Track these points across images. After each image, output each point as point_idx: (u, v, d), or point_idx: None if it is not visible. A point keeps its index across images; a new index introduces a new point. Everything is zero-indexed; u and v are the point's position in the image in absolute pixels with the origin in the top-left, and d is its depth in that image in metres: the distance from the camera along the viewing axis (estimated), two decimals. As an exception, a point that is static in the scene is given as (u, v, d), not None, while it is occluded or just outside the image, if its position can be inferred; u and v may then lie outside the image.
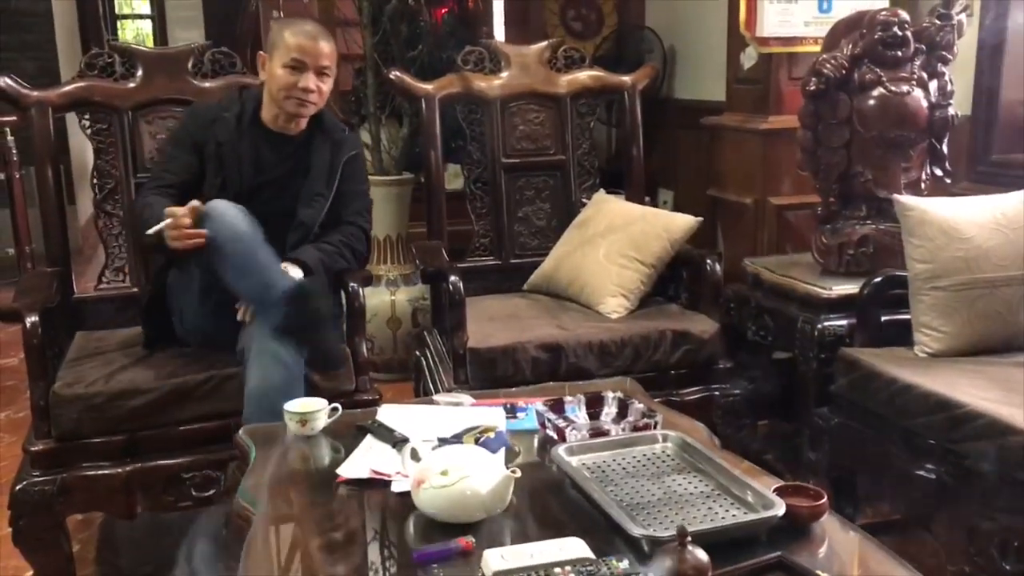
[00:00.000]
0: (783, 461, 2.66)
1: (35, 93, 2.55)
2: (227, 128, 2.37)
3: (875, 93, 2.60)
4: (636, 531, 1.29)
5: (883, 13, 2.63)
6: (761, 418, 2.82)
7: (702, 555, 1.05)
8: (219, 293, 2.23)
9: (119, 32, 9.63)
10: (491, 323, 2.61)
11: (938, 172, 2.71)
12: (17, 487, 2.12)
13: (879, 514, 2.46)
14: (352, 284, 2.43)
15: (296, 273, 2.27)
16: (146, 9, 9.92)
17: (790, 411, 2.70)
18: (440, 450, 1.47)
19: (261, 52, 2.41)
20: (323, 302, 2.21)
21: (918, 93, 2.61)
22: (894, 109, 2.59)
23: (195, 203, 2.14)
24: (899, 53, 2.60)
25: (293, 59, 2.31)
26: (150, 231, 2.12)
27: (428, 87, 2.93)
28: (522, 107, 3.02)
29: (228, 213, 2.16)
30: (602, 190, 3.04)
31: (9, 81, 2.52)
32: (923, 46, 2.63)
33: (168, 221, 2.11)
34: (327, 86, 2.38)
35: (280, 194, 2.42)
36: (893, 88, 2.59)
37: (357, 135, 2.83)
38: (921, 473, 2.10)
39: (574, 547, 1.30)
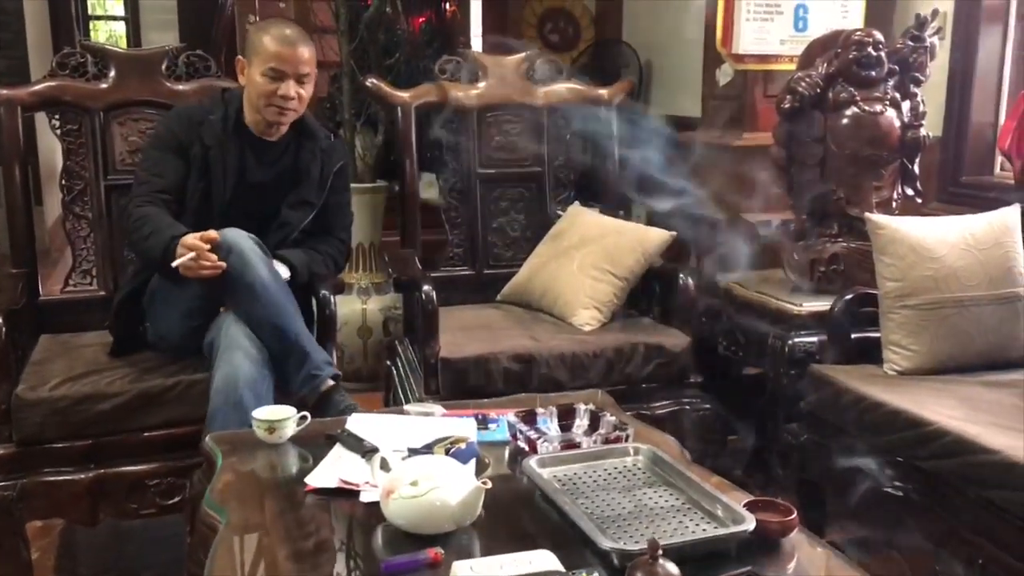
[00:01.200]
0: (752, 477, 2.67)
1: (4, 91, 2.51)
2: (213, 131, 2.34)
3: (849, 112, 2.63)
4: (606, 544, 1.28)
5: (858, 33, 2.66)
6: (731, 433, 2.82)
7: (673, 568, 1.04)
8: (205, 315, 2.23)
9: (91, 33, 9.52)
10: (463, 333, 2.60)
11: (909, 192, 2.75)
12: (-25, 492, 2.08)
13: (847, 531, 2.47)
14: (323, 291, 2.42)
15: (283, 271, 2.27)
16: (120, 11, 9.82)
17: (760, 427, 2.71)
18: (410, 460, 1.45)
19: (240, 57, 2.38)
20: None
21: (891, 113, 2.64)
22: (867, 128, 2.62)
23: (213, 234, 2.13)
24: (873, 73, 2.63)
25: (271, 68, 2.28)
26: (175, 263, 2.10)
27: (404, 95, 2.92)
28: (499, 118, 3.02)
29: (249, 249, 2.16)
30: (577, 202, 3.04)
31: (-23, 78, 2.48)
32: (896, 67, 2.67)
33: (192, 255, 2.09)
34: (307, 91, 2.36)
35: (263, 198, 2.40)
36: (866, 107, 2.62)
37: (343, 142, 2.81)
38: (889, 490, 2.11)
39: (544, 560, 1.29)
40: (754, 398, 2.72)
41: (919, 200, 2.77)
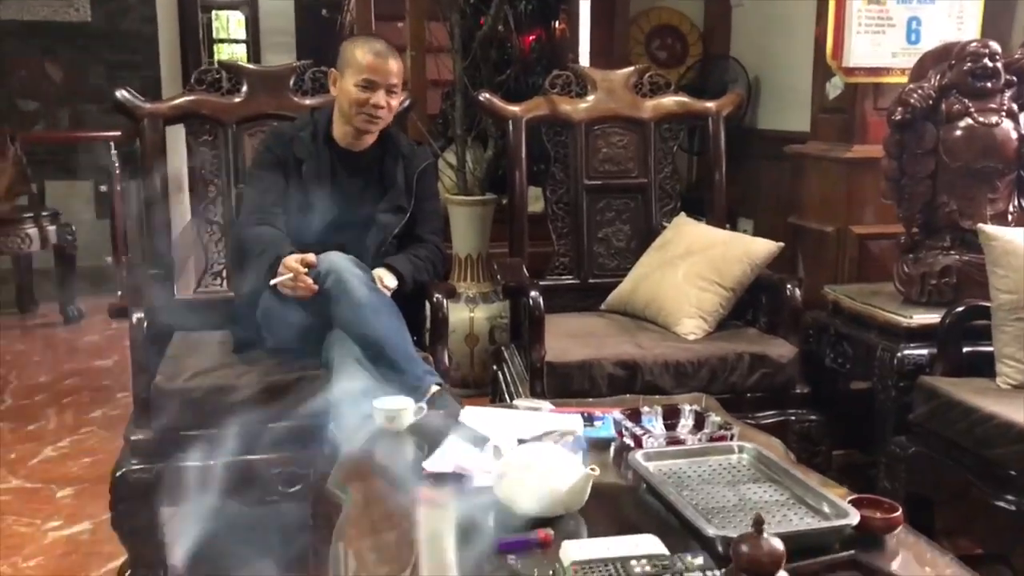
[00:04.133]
0: (857, 491, 2.64)
1: (148, 105, 2.71)
2: (304, 146, 2.50)
3: (962, 124, 2.60)
4: (711, 531, 1.33)
5: (973, 44, 2.63)
6: (836, 447, 2.80)
7: (778, 544, 1.08)
8: (319, 332, 2.34)
9: (215, 55, 10.03)
10: (569, 339, 2.66)
11: (1026, 204, 2.69)
12: (117, 473, 2.24)
13: (956, 546, 2.43)
14: (437, 295, 2.52)
15: (391, 280, 2.39)
16: (241, 34, 10.31)
17: (866, 442, 2.68)
18: (522, 447, 1.53)
19: (333, 70, 2.54)
20: None
21: (1007, 124, 2.60)
22: (981, 140, 2.59)
23: (311, 258, 2.29)
24: (988, 84, 2.60)
25: (364, 79, 2.43)
26: (273, 282, 2.28)
27: (515, 109, 3.02)
28: (606, 130, 3.09)
29: (348, 272, 2.27)
30: (683, 213, 3.08)
31: (126, 94, 2.69)
32: (1014, 77, 2.63)
33: (289, 276, 2.26)
34: (396, 102, 2.50)
35: (357, 206, 2.54)
36: (981, 119, 2.59)
37: (426, 148, 2.94)
38: (1001, 504, 2.08)
39: (649, 544, 1.34)
40: (861, 412, 2.70)
41: (1036, 212, 2.71)
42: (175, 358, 2.46)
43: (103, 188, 5.43)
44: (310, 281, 2.27)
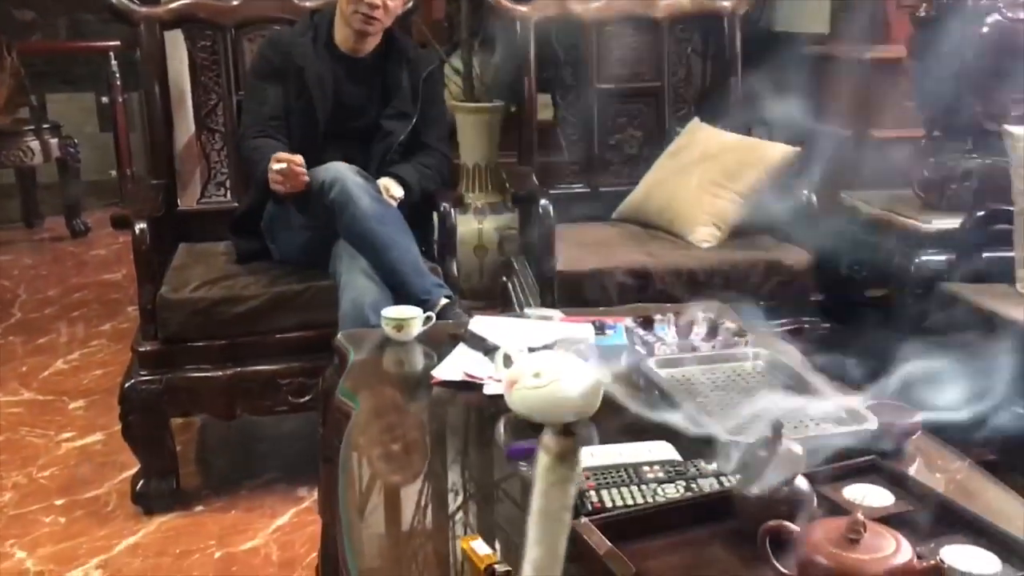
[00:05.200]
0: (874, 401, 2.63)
1: (143, 9, 2.62)
2: (305, 52, 2.41)
3: (990, 20, 2.51)
4: (725, 437, 1.30)
5: (1003, -65, 2.51)
6: (851, 355, 2.77)
7: (796, 448, 1.05)
8: (324, 243, 2.30)
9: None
10: (579, 249, 2.62)
11: (1053, 105, 2.60)
12: (126, 384, 2.24)
13: (969, 453, 2.42)
14: (444, 204, 2.47)
15: (397, 190, 2.33)
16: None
17: (881, 348, 2.65)
18: (533, 354, 1.49)
19: None
20: None
21: (1037, 20, 2.50)
22: (1010, 37, 2.49)
23: (300, 158, 2.22)
24: (1019, -22, 2.48)
25: None
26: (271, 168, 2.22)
27: (524, 9, 2.92)
28: (618, 31, 2.98)
29: (351, 182, 2.21)
30: (697, 118, 2.99)
31: (119, -2, 2.59)
32: (1045, -30, 2.51)
33: (283, 165, 2.19)
34: (393, 3, 2.38)
35: (361, 113, 2.46)
36: (1010, 14, 2.49)
37: (431, 52, 2.84)
38: (1018, 410, 2.05)
39: (662, 450, 1.32)
40: (876, 320, 2.67)
41: (1064, 113, 2.63)
42: (180, 269, 2.44)
43: (104, 100, 5.32)
44: (303, 171, 2.20)
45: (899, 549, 0.91)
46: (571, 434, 0.66)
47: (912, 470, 1.29)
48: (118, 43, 4.91)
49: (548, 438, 0.65)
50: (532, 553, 0.69)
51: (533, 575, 0.69)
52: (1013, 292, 2.24)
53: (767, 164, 2.69)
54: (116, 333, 3.49)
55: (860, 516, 0.92)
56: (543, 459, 0.65)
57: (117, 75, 4.92)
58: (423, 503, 1.24)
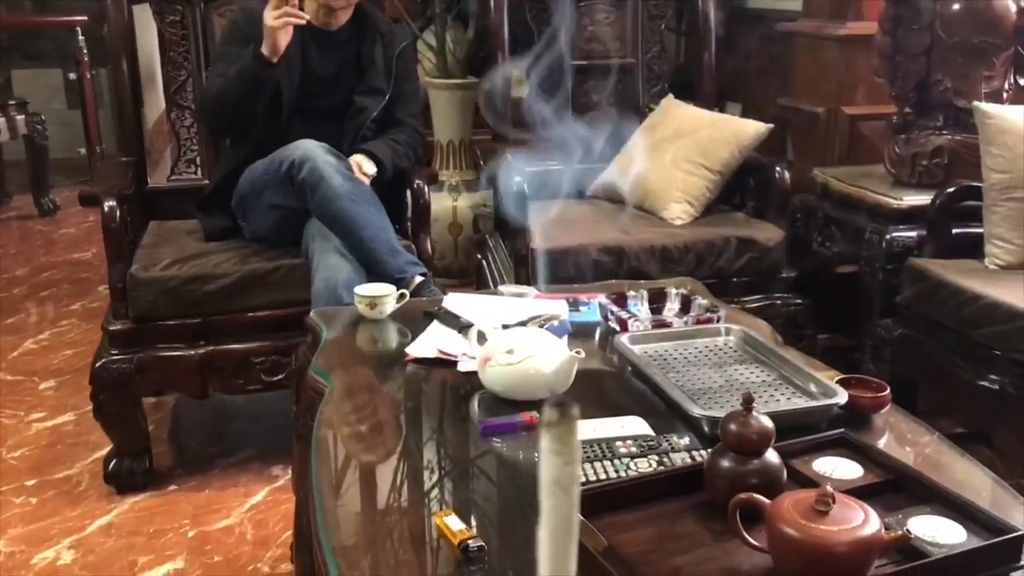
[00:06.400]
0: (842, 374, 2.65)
1: (110, -17, 2.57)
2: None
3: (960, -4, 2.51)
4: (697, 411, 1.31)
5: (974, -88, 2.52)
6: (822, 331, 2.80)
7: (767, 421, 1.06)
8: (296, 220, 2.28)
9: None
10: (554, 226, 2.59)
11: (1022, 81, 2.62)
12: (97, 364, 2.22)
13: (939, 426, 2.45)
14: (417, 181, 2.46)
15: (369, 167, 2.32)
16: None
17: (851, 326, 2.68)
18: (507, 332, 1.49)
19: None
20: None
21: (1007, -2, 2.51)
22: (980, 14, 2.51)
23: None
24: (989, -46, 2.49)
25: None
26: (271, 22, 2.19)
27: (497, -16, 2.89)
28: (592, 7, 2.97)
29: (322, 160, 2.18)
30: (671, 95, 2.99)
31: (85, -30, 2.55)
32: (1016, -52, 2.52)
33: (284, 9, 2.17)
34: None
35: (332, 89, 2.44)
36: (980, -9, 2.50)
37: (404, 27, 2.82)
38: (984, 384, 2.09)
39: (635, 425, 1.32)
40: (847, 296, 2.69)
41: (1033, 90, 2.65)
42: (151, 247, 2.41)
43: (72, 76, 5.24)
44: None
45: (867, 520, 0.92)
46: (568, 407, 0.66)
47: (881, 443, 1.31)
48: (85, 18, 4.84)
49: (550, 412, 0.66)
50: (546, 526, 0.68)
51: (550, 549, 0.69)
52: (982, 267, 2.27)
53: (740, 141, 2.69)
54: (86, 312, 3.46)
55: (829, 488, 0.93)
56: (547, 436, 0.66)
57: (85, 51, 4.85)
58: (397, 480, 1.24)
